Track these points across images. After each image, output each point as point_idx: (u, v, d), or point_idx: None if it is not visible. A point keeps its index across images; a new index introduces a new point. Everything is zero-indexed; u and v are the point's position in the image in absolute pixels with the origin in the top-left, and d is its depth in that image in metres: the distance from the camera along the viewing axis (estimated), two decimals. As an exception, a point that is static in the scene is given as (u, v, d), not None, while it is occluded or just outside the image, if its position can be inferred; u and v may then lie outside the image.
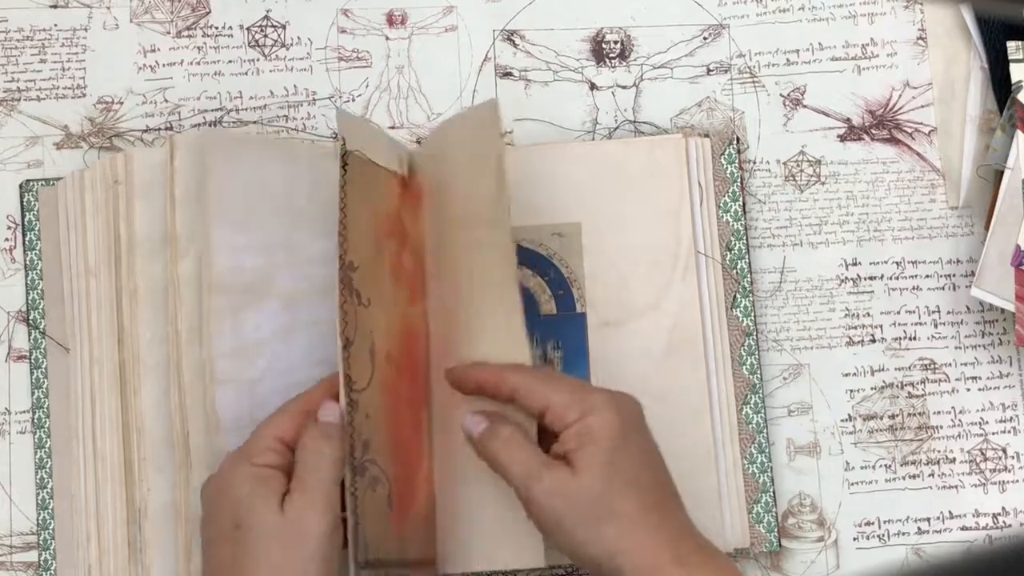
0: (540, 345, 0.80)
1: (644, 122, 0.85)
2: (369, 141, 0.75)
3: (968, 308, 0.84)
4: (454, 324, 0.74)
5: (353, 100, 0.85)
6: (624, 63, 0.86)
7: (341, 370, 0.69)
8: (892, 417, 0.83)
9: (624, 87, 0.86)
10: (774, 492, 0.80)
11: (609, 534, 0.64)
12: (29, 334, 0.81)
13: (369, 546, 0.68)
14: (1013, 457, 0.82)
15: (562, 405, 0.66)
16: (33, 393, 0.80)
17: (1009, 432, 0.83)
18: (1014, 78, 0.82)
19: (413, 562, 0.72)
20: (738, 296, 0.82)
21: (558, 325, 0.81)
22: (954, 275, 0.84)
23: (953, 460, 0.82)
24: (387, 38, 0.86)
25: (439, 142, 0.79)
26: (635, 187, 0.81)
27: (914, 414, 0.83)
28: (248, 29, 0.85)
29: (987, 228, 0.81)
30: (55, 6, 0.84)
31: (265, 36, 0.85)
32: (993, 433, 0.83)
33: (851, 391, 0.83)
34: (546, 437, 0.68)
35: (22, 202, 0.81)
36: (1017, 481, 0.82)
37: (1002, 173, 0.81)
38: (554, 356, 0.80)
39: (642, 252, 0.81)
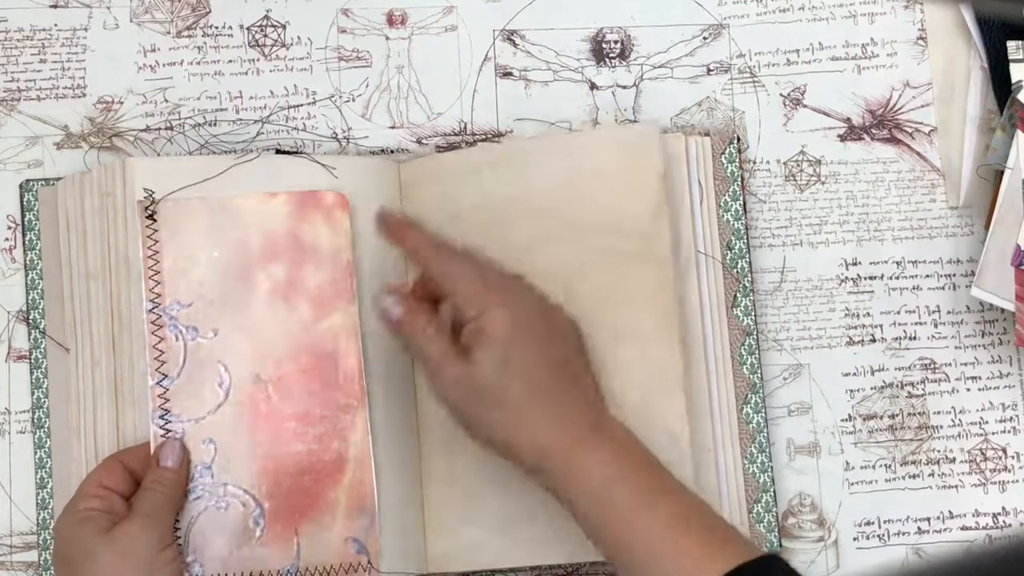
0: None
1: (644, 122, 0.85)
2: (215, 173, 0.78)
3: (968, 308, 0.84)
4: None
5: (353, 100, 0.85)
6: (624, 63, 0.86)
7: (154, 405, 0.75)
8: (892, 417, 0.83)
9: (624, 87, 0.86)
10: (774, 492, 0.80)
11: (498, 419, 0.69)
12: (29, 334, 0.80)
13: (205, 566, 0.74)
14: (1013, 457, 0.82)
15: (463, 298, 0.70)
16: (33, 393, 0.80)
17: (1009, 432, 0.83)
18: (1014, 78, 0.82)
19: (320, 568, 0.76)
20: (738, 296, 0.82)
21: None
22: (954, 275, 0.84)
23: (953, 460, 0.82)
24: (387, 38, 0.86)
25: (555, 147, 0.80)
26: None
27: (914, 414, 0.83)
28: (248, 29, 0.85)
29: (987, 228, 0.81)
30: (55, 6, 0.84)
31: (265, 36, 0.85)
32: (993, 433, 0.83)
33: (851, 391, 0.83)
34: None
35: (22, 202, 0.81)
36: (1017, 481, 0.82)
37: (1002, 173, 0.81)
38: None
39: (642, 251, 0.81)
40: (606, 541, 0.68)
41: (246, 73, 0.85)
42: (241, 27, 0.85)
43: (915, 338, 0.83)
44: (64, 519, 0.71)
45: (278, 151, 0.83)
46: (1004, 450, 0.82)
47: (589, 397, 0.71)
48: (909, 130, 0.85)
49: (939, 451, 0.82)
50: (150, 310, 0.76)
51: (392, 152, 0.84)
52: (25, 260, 0.81)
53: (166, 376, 0.75)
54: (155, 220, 0.76)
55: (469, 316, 0.70)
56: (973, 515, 0.82)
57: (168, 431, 0.74)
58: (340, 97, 0.85)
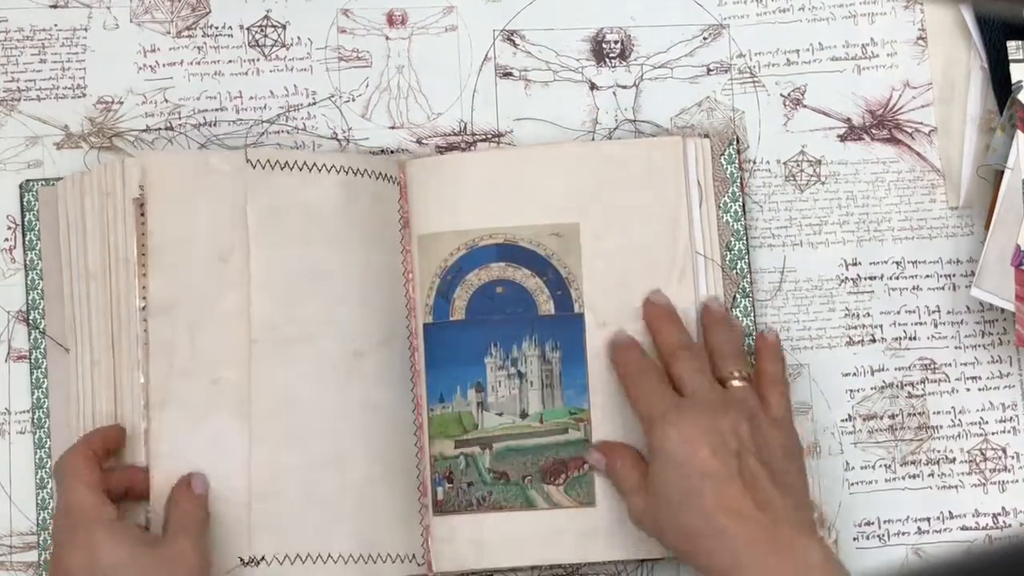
0: (539, 345, 0.81)
1: (644, 122, 0.85)
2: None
3: (968, 308, 0.84)
4: None
5: (353, 100, 0.85)
6: (624, 63, 0.86)
7: (145, 402, 0.75)
8: (892, 417, 0.83)
9: (624, 87, 0.86)
10: (774, 492, 0.80)
11: (678, 546, 0.73)
12: (29, 334, 0.81)
13: None
14: (1013, 457, 0.82)
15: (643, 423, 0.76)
16: (33, 393, 0.80)
17: (1009, 432, 0.83)
18: (1014, 78, 0.82)
19: None
20: (738, 296, 0.82)
21: (556, 325, 0.81)
22: (954, 275, 0.84)
23: (953, 460, 0.82)
24: (387, 38, 0.86)
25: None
26: (634, 188, 0.81)
27: (914, 414, 0.83)
28: (248, 29, 0.85)
29: (987, 228, 0.81)
30: (55, 6, 0.84)
31: (265, 36, 0.85)
32: (993, 433, 0.83)
33: (851, 391, 0.83)
34: None
35: (22, 202, 0.81)
36: (1017, 481, 0.82)
37: (1002, 173, 0.81)
38: (552, 356, 0.80)
39: (641, 252, 0.81)
40: None
41: (246, 73, 0.85)
42: (241, 27, 0.85)
43: (915, 338, 0.83)
44: (96, 534, 0.70)
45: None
46: (1004, 450, 0.82)
47: (774, 508, 0.71)
48: (909, 130, 0.85)
49: (939, 451, 0.82)
50: (142, 308, 0.76)
51: (392, 152, 0.84)
52: (25, 260, 0.81)
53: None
54: (149, 218, 0.76)
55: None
56: (973, 515, 0.82)
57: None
58: (340, 97, 0.85)
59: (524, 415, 0.80)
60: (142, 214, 0.76)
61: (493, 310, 0.81)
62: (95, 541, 0.70)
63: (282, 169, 0.78)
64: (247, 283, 0.76)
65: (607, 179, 0.81)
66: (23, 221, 0.81)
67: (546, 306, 0.81)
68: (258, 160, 0.78)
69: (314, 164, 0.79)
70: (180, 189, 0.77)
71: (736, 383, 0.76)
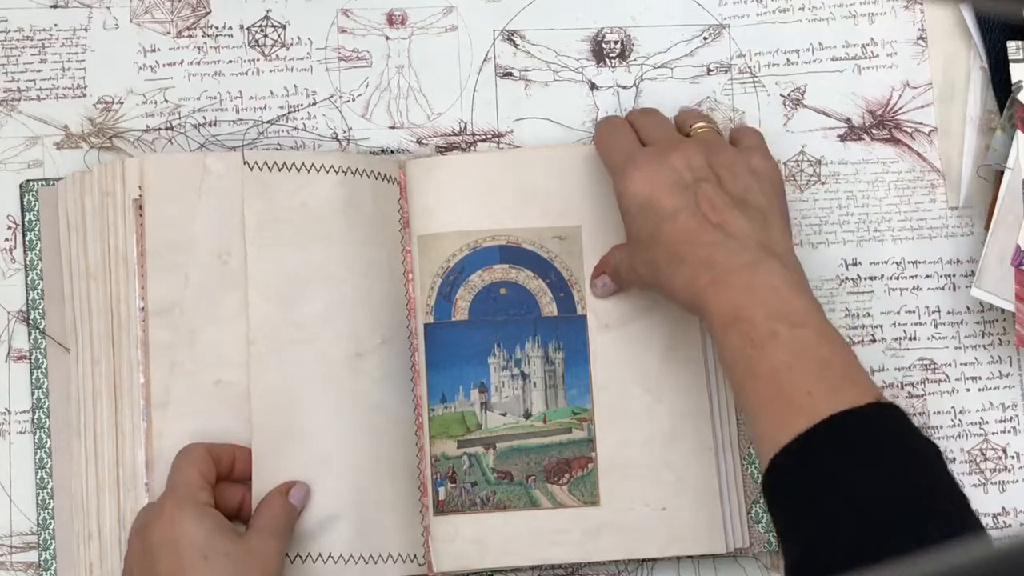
0: (542, 346, 0.81)
1: (644, 122, 0.85)
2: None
3: (968, 308, 0.84)
4: None
5: (353, 100, 0.85)
6: (624, 63, 0.86)
7: (146, 403, 0.76)
8: (892, 417, 0.83)
9: (624, 87, 0.86)
10: (774, 492, 0.80)
11: (651, 278, 0.76)
12: (29, 334, 0.80)
13: None
14: (1013, 457, 0.82)
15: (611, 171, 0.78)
16: (33, 393, 0.80)
17: (1009, 432, 0.83)
18: (1014, 78, 0.82)
19: None
20: (738, 296, 0.82)
21: (559, 327, 0.81)
22: (954, 275, 0.84)
23: (953, 460, 0.82)
24: (387, 38, 0.85)
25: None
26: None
27: (914, 414, 0.83)
28: (248, 29, 0.85)
29: (987, 228, 0.81)
30: (55, 6, 0.84)
31: (265, 36, 0.85)
32: (993, 433, 0.83)
33: (851, 391, 0.83)
34: None
35: (22, 202, 0.81)
36: (1017, 481, 0.82)
37: (1002, 173, 0.81)
38: (555, 357, 0.80)
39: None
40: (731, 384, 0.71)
41: (246, 73, 0.85)
42: (241, 27, 0.85)
43: (915, 338, 0.84)
44: (188, 510, 0.71)
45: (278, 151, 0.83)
46: (1004, 450, 0.82)
47: (738, 230, 0.72)
48: (909, 130, 0.85)
49: (939, 451, 0.82)
50: (142, 308, 0.76)
51: (392, 152, 0.84)
52: (25, 260, 0.81)
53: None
54: (147, 220, 0.76)
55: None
56: (973, 515, 0.82)
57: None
58: (340, 97, 0.85)
59: (528, 415, 0.80)
60: (141, 215, 0.76)
61: (496, 311, 0.81)
62: (182, 517, 0.70)
63: (280, 171, 0.78)
64: (245, 284, 0.77)
65: (608, 181, 0.81)
66: (23, 221, 0.81)
67: (549, 307, 0.81)
68: (255, 162, 0.78)
69: (312, 165, 0.78)
70: (177, 191, 0.77)
71: (701, 129, 0.79)
